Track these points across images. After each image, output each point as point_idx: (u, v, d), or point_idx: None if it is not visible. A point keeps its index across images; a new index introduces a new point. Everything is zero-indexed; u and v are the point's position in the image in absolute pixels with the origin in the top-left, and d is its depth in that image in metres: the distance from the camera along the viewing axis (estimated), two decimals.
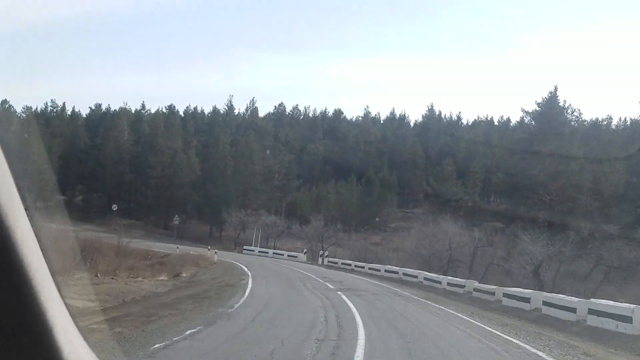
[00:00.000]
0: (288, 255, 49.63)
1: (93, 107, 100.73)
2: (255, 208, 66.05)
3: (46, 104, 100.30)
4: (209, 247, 39.10)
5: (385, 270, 36.29)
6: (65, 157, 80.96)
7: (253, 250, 54.01)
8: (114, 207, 70.60)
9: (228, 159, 75.50)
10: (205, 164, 76.48)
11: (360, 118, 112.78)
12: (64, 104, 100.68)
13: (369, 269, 38.54)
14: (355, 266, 40.35)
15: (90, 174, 79.11)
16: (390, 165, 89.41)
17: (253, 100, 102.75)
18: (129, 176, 79.76)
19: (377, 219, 75.79)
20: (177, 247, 43.92)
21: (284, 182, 77.81)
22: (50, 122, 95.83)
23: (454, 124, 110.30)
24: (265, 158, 77.26)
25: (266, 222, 59.33)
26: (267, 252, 52.38)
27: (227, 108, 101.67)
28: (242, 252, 54.77)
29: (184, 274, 27.63)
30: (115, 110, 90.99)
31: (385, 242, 67.60)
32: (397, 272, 35.00)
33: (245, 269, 32.01)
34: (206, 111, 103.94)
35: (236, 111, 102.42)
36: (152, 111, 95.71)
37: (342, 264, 42.53)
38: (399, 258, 45.81)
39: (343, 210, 74.75)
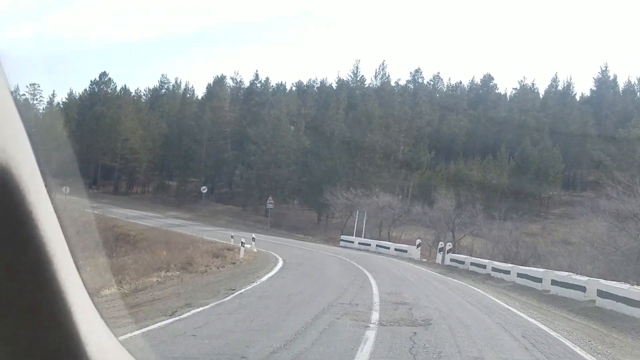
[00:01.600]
0: (396, 250, 34.82)
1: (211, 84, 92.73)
2: (370, 188, 51.90)
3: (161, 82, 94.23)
4: (232, 237, 26.15)
5: (556, 282, 18.90)
6: (170, 138, 72.85)
7: (352, 242, 39.87)
8: (203, 189, 60.35)
9: (341, 128, 61.93)
10: (315, 136, 63.54)
11: (514, 90, 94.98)
12: (176, 80, 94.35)
13: (520, 275, 21.90)
14: (494, 269, 23.94)
15: (187, 153, 69.58)
16: (552, 138, 70.93)
17: (383, 65, 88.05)
18: (230, 154, 69.07)
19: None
20: (232, 236, 31.55)
21: (411, 157, 62.46)
22: (161, 100, 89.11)
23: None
24: (388, 127, 62.51)
25: (379, 204, 44.80)
26: (369, 245, 37.88)
27: (352, 75, 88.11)
28: (339, 245, 41.05)
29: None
30: (218, 76, 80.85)
31: (546, 232, 50.24)
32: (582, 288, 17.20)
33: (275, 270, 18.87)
34: (329, 81, 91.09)
35: (366, 82, 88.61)
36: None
37: (471, 264, 26.64)
38: (567, 254, 29.56)
39: (489, 192, 58.06)
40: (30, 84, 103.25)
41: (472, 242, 39.35)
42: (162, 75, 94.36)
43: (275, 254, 26.65)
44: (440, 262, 30.24)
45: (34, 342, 1.36)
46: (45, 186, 1.28)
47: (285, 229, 53.25)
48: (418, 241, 33.76)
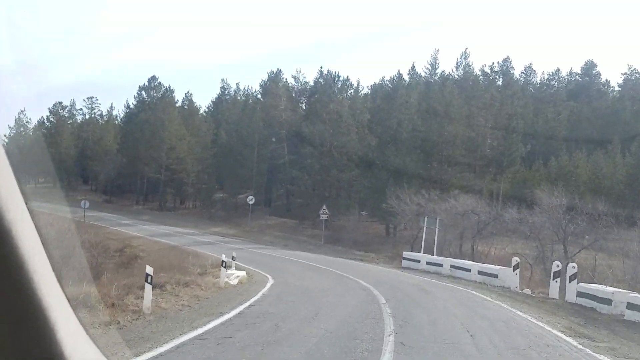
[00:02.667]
0: (480, 273, 23.69)
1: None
2: (448, 190, 41.20)
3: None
4: (224, 264, 16.05)
5: None
6: (223, 147, 65.21)
7: (418, 261, 29.32)
8: (250, 200, 51.92)
9: (412, 120, 51.45)
10: (382, 131, 53.38)
11: (623, 76, 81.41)
12: (237, 85, 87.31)
13: None
14: None
15: (236, 160, 61.10)
16: None
17: (465, 53, 76.13)
18: (286, 159, 59.91)
19: None
20: (234, 257, 22.35)
21: (500, 151, 50.93)
22: (221, 107, 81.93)
23: None
24: (471, 117, 51.38)
25: (458, 209, 34.11)
26: (441, 265, 27.11)
27: (429, 68, 76.97)
28: (401, 266, 30.82)
29: None
30: (274, 70, 71.83)
31: None
32: None
33: None
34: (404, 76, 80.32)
35: (443, 69, 77.24)
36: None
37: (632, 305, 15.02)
38: None
39: (601, 193, 45.68)
40: (87, 98, 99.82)
41: (595, 258, 27.83)
42: (223, 81, 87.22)
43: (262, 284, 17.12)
44: (556, 297, 18.96)
45: (17, 358, 1.35)
46: (26, 203, 1.30)
47: (343, 245, 43.37)
48: (515, 260, 22.20)
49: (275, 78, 66.92)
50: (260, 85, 67.51)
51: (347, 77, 66.09)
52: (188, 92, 75.20)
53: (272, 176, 61.68)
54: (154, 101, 70.81)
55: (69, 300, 1.53)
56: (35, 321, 1.34)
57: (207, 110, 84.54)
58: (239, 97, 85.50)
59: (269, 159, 60.63)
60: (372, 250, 41.59)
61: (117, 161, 71.48)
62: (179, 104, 75.84)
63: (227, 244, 39.04)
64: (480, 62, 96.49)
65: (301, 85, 72.40)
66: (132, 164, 67.38)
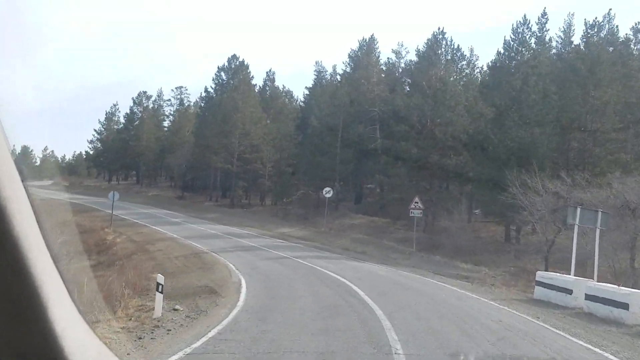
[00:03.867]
0: None
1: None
2: (600, 175, 27.92)
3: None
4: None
5: None
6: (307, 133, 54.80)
7: (568, 291, 16.58)
8: (327, 192, 41.80)
9: (541, 81, 37.81)
10: (499, 97, 40.10)
11: None
12: (334, 67, 76.19)
13: None
14: None
15: (317, 148, 50.24)
16: None
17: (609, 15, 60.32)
18: (379, 143, 48.10)
19: None
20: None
21: None
22: (314, 92, 71.39)
23: None
24: (628, 76, 37.10)
25: (622, 201, 21.00)
26: (627, 305, 14.17)
27: (562, 36, 61.85)
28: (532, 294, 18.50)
29: None
30: (366, 39, 59.29)
31: None
32: None
33: None
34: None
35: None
36: None
37: None
38: None
39: None
40: (176, 87, 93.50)
41: None
42: (317, 63, 76.40)
43: None
44: None
45: (9, 336, 1.36)
46: (22, 181, 1.31)
47: (443, 254, 31.20)
48: None
49: (367, 47, 55.24)
50: (349, 56, 56.15)
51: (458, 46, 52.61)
52: (270, 70, 65.25)
53: (361, 165, 50.03)
54: (232, 82, 61.52)
55: (64, 281, 1.51)
56: (28, 300, 1.32)
57: (304, 97, 74.36)
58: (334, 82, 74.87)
59: (356, 143, 49.07)
60: (483, 262, 29.10)
61: (191, 153, 63.30)
62: (260, 85, 66.26)
63: (275, 250, 28.37)
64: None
65: (400, 59, 60.16)
66: (203, 154, 58.57)
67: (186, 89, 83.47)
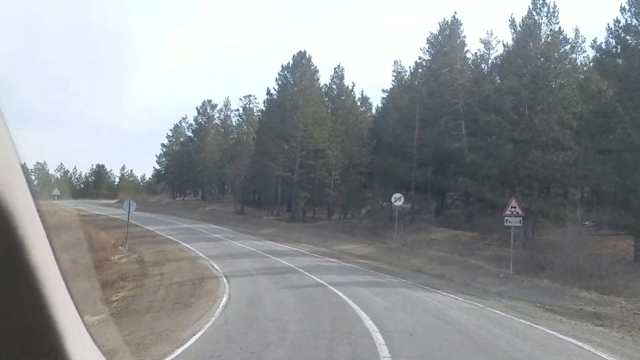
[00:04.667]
0: None
1: None
2: None
3: None
4: None
5: None
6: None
7: None
8: (397, 200, 34.01)
9: None
10: (623, 65, 31.00)
11: None
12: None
13: None
14: None
15: (391, 149, 42.60)
16: None
17: None
18: (464, 142, 39.84)
19: None
20: None
21: None
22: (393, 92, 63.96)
23: None
24: None
25: None
26: None
27: None
28: None
29: None
30: (447, 21, 50.44)
31: None
32: None
33: None
34: None
35: None
36: None
37: None
38: None
39: None
40: (244, 96, 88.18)
41: None
42: (396, 63, 68.51)
43: None
44: None
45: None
46: (38, 211, 1.31)
47: (551, 277, 22.82)
48: None
49: (449, 29, 47.03)
50: (428, 41, 47.85)
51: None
52: (338, 66, 57.98)
53: (443, 168, 41.73)
54: (297, 81, 54.88)
55: (78, 309, 1.50)
56: (45, 328, 1.32)
57: (381, 102, 66.58)
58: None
59: (436, 142, 40.90)
60: (613, 289, 20.45)
61: (251, 162, 57.26)
62: (327, 82, 59.20)
63: (314, 274, 20.95)
64: None
65: (490, 49, 51.48)
66: (263, 163, 52.21)
67: (255, 97, 77.67)
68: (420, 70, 48.09)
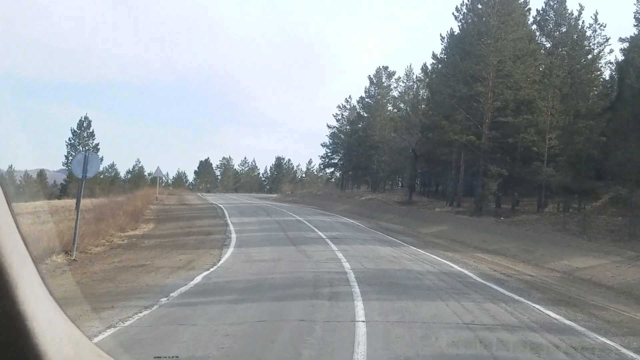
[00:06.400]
0: None
1: None
2: None
3: None
4: None
5: None
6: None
7: None
8: None
9: None
10: None
11: None
12: None
13: None
14: None
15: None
16: None
17: None
18: None
19: None
20: None
21: None
22: None
23: None
24: None
25: None
26: None
27: None
28: None
29: None
30: None
31: None
32: None
33: None
34: None
35: None
36: None
37: None
38: None
39: None
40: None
41: None
42: None
43: None
44: None
45: None
46: None
47: None
48: None
49: None
50: None
51: None
52: None
53: None
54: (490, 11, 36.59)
55: (34, 261, 1.47)
56: None
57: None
58: None
59: None
60: None
61: (420, 131, 40.17)
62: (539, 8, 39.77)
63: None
64: None
65: None
66: (434, 125, 34.92)
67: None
68: None
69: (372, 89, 65.53)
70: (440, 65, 39.12)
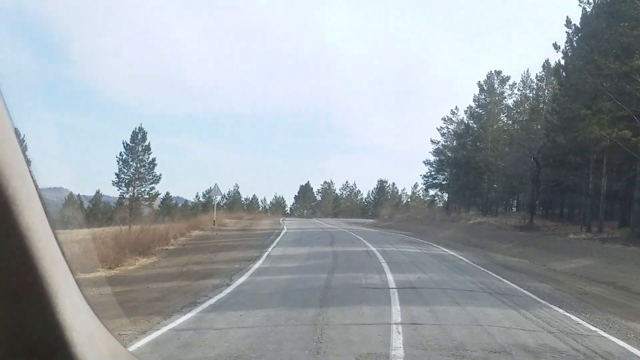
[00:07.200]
0: None
1: None
2: None
3: None
4: None
5: None
6: None
7: None
8: None
9: None
10: None
11: None
12: None
13: None
14: None
15: None
16: None
17: None
18: None
19: None
20: None
21: None
22: None
23: None
24: None
25: None
26: None
27: None
28: None
29: None
30: None
31: None
32: None
33: None
34: None
35: None
36: None
37: None
38: None
39: None
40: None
41: None
42: None
43: None
44: None
45: (16, 329, 1.33)
46: (30, 172, 1.30)
47: None
48: None
49: None
50: None
51: None
52: None
53: None
54: None
55: (72, 271, 1.46)
56: (36, 291, 1.30)
57: None
58: None
59: None
60: None
61: (545, 133, 31.40)
62: None
63: None
64: None
65: None
66: (567, 126, 26.20)
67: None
68: None
69: (483, 96, 56.86)
70: (577, 37, 30.36)
